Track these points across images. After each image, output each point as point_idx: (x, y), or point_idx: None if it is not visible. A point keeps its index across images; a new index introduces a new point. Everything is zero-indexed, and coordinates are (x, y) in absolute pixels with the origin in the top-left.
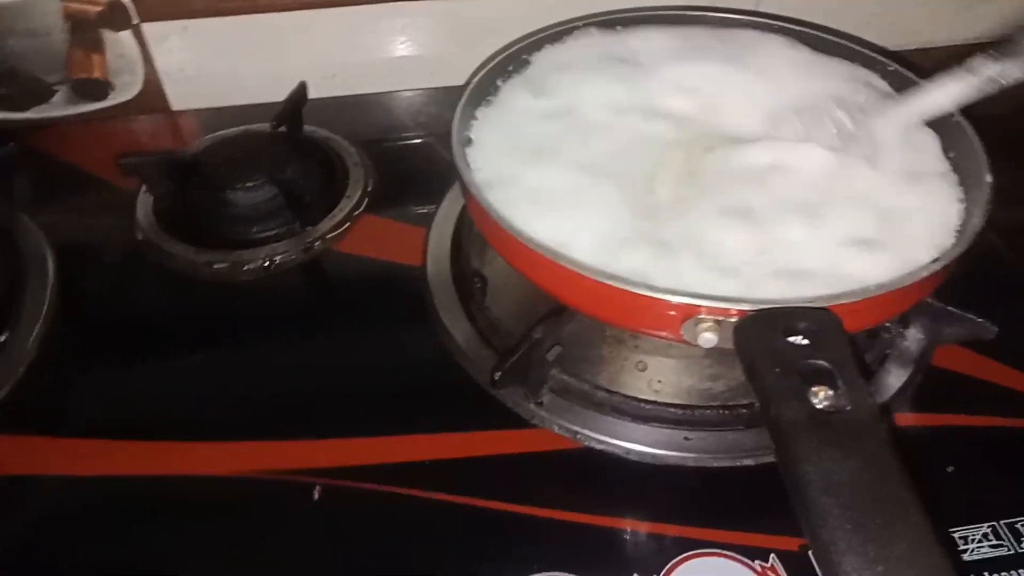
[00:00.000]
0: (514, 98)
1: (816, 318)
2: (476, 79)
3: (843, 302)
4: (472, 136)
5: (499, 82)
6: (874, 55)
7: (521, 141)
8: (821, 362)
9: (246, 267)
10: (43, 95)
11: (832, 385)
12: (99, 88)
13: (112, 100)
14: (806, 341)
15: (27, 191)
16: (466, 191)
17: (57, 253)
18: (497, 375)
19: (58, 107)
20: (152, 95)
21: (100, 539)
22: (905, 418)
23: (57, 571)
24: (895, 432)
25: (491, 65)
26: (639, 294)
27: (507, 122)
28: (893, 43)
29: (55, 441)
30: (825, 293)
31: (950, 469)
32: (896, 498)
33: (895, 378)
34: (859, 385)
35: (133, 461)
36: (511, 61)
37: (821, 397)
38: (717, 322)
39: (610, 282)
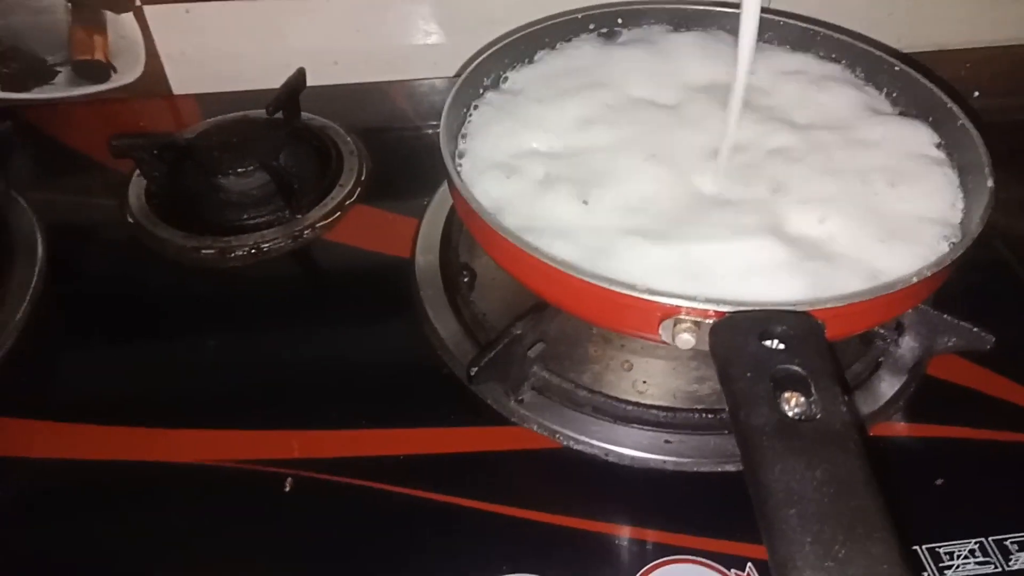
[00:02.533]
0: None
1: (795, 322)
2: (470, 69)
3: (827, 306)
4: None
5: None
6: (880, 54)
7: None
8: (796, 368)
9: (234, 253)
10: (45, 75)
11: (805, 392)
12: (101, 70)
13: (114, 83)
14: (782, 346)
15: (21, 171)
16: (449, 180)
17: (47, 233)
18: (473, 371)
19: (60, 88)
20: (154, 78)
21: (73, 523)
22: (895, 428)
23: (28, 553)
24: (867, 443)
25: (485, 55)
26: (617, 292)
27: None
28: (910, 43)
29: (35, 424)
30: (809, 297)
31: (939, 482)
32: (860, 512)
33: (887, 386)
34: (833, 393)
35: (110, 446)
36: (504, 54)
37: (792, 404)
38: (695, 323)
39: (588, 279)
